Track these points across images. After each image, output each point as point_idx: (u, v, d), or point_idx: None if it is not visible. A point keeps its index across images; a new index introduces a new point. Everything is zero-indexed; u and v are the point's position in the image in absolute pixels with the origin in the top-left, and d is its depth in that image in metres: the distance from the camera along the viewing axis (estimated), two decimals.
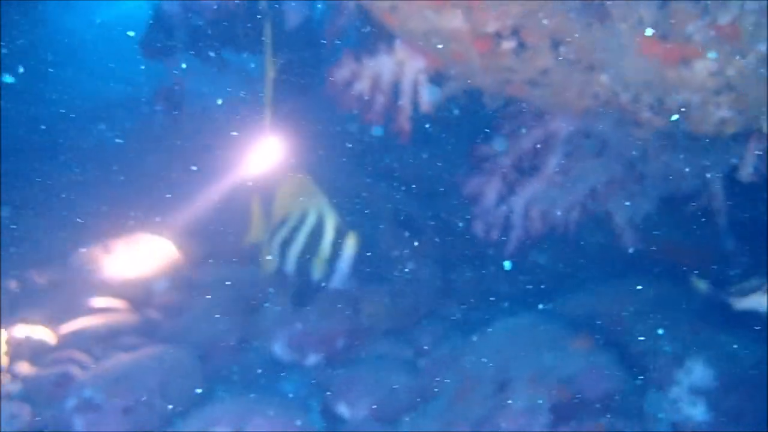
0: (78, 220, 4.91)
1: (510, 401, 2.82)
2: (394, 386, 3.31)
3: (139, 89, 7.47)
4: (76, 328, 3.63)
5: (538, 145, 2.78)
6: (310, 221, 2.79)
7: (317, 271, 2.78)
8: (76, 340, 3.55)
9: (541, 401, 2.76)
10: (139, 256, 4.13)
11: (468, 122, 4.22)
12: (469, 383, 3.08)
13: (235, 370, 3.57)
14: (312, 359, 3.65)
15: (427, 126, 4.75)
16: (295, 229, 2.80)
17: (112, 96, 7.66)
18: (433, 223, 4.85)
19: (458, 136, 4.86)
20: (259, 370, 3.56)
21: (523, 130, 2.83)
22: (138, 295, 3.94)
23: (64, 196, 5.34)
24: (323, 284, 2.80)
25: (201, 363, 3.41)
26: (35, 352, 3.37)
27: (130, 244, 4.21)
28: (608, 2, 1.57)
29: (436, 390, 3.24)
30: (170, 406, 3.03)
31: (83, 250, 4.16)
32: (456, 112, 3.61)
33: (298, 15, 3.90)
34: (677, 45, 1.55)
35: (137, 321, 3.75)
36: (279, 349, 3.67)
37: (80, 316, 3.78)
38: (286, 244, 2.81)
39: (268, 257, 2.93)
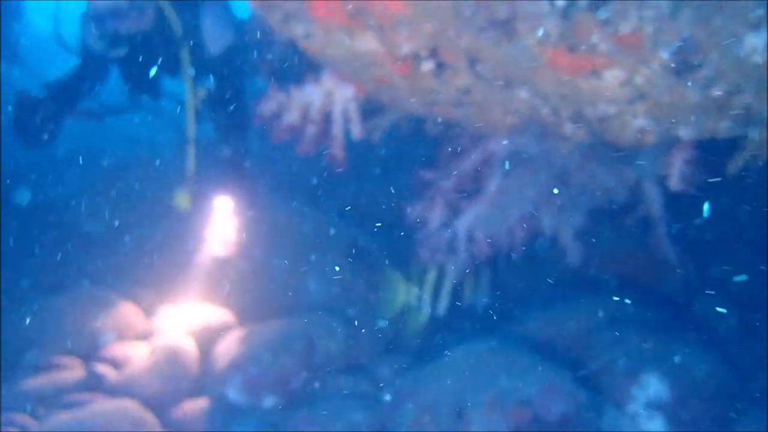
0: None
1: (469, 427, 2.76)
2: (352, 422, 3.22)
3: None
4: (18, 388, 3.48)
5: (478, 168, 2.78)
6: None
7: (467, 298, 3.15)
8: (19, 400, 3.39)
9: (499, 425, 2.71)
10: (82, 307, 3.99)
11: (412, 149, 4.24)
12: (428, 413, 3.01)
13: (189, 418, 3.44)
14: (268, 401, 3.54)
15: (374, 154, 4.76)
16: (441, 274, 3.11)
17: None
18: (387, 254, 4.81)
19: (405, 163, 4.86)
20: (214, 416, 3.44)
21: (463, 154, 2.83)
22: (84, 349, 3.80)
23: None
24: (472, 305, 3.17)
25: (152, 413, 3.28)
26: None
27: (72, 297, 4.07)
28: (515, 14, 1.57)
29: (395, 423, 3.16)
30: None
31: (22, 310, 4.01)
32: (399, 139, 3.60)
33: (220, 39, 3.70)
34: (584, 56, 1.55)
35: (83, 376, 3.60)
36: (233, 393, 3.55)
37: (23, 374, 3.63)
38: (435, 291, 3.14)
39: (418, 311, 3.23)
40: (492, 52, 1.69)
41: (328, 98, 2.43)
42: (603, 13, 1.44)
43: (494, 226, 2.56)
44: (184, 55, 3.53)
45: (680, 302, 3.37)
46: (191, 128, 3.59)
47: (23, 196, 5.88)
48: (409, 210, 3.07)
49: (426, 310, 3.16)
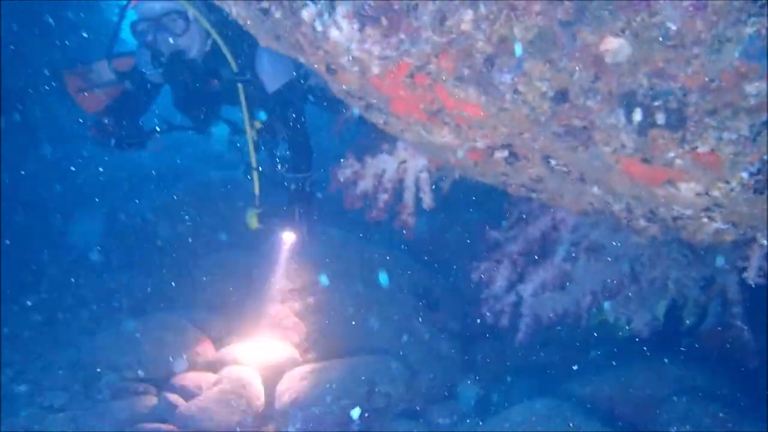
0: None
1: None
2: None
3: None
4: (98, 411, 3.70)
5: (546, 234, 2.78)
6: None
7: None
8: (98, 424, 3.61)
9: None
10: (158, 334, 4.19)
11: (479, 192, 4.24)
12: None
13: None
14: None
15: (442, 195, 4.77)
16: None
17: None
18: (451, 294, 4.83)
19: (472, 205, 4.87)
20: None
21: (531, 217, 2.84)
22: (158, 375, 4.01)
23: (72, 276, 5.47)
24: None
25: None
26: None
27: (149, 322, 4.29)
28: (591, 124, 1.60)
29: None
30: None
31: (103, 333, 4.26)
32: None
33: (278, 75, 3.67)
34: (659, 168, 1.56)
35: (156, 403, 3.79)
36: (294, 430, 3.66)
37: (102, 397, 3.86)
38: None
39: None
40: (566, 155, 1.72)
41: (402, 167, 2.50)
42: (680, 132, 1.45)
43: (561, 300, 2.56)
44: (240, 90, 3.58)
45: (754, 379, 3.24)
46: (253, 157, 3.69)
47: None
48: (474, 268, 3.10)
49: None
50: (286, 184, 3.86)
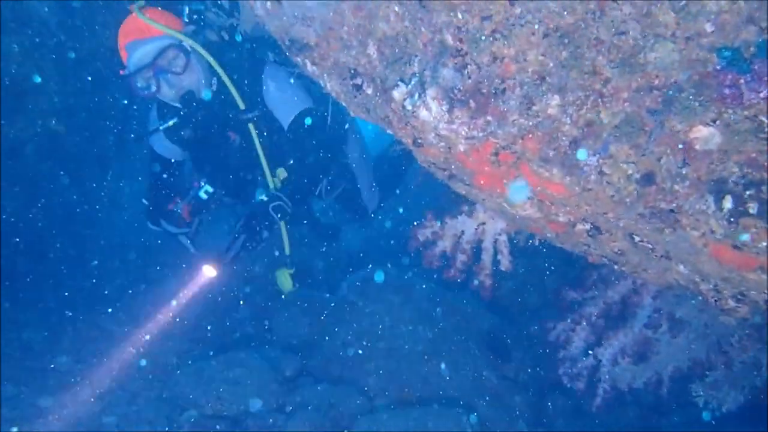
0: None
1: None
2: None
3: None
4: None
5: (627, 298, 2.74)
6: None
7: None
8: None
9: None
10: (235, 371, 4.33)
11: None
12: None
13: None
14: None
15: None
16: None
17: None
18: (523, 343, 4.76)
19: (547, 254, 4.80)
20: None
21: (611, 280, 2.81)
22: (235, 413, 4.13)
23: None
24: None
25: None
26: None
27: (227, 360, 4.44)
28: (678, 207, 1.59)
29: None
30: None
31: (185, 369, 4.43)
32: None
33: (290, 107, 3.14)
34: (751, 256, 1.53)
35: None
36: None
37: None
38: None
39: None
40: (651, 234, 1.72)
41: (480, 228, 2.53)
42: None
43: (642, 372, 2.50)
44: (252, 133, 3.09)
45: None
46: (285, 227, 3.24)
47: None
48: (550, 328, 3.08)
49: None
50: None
